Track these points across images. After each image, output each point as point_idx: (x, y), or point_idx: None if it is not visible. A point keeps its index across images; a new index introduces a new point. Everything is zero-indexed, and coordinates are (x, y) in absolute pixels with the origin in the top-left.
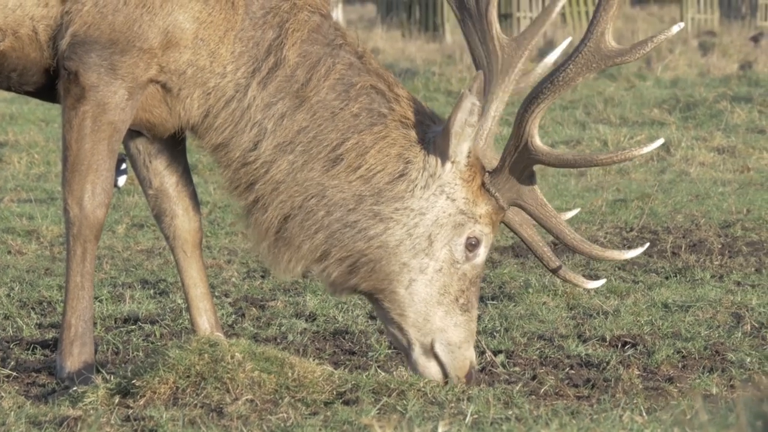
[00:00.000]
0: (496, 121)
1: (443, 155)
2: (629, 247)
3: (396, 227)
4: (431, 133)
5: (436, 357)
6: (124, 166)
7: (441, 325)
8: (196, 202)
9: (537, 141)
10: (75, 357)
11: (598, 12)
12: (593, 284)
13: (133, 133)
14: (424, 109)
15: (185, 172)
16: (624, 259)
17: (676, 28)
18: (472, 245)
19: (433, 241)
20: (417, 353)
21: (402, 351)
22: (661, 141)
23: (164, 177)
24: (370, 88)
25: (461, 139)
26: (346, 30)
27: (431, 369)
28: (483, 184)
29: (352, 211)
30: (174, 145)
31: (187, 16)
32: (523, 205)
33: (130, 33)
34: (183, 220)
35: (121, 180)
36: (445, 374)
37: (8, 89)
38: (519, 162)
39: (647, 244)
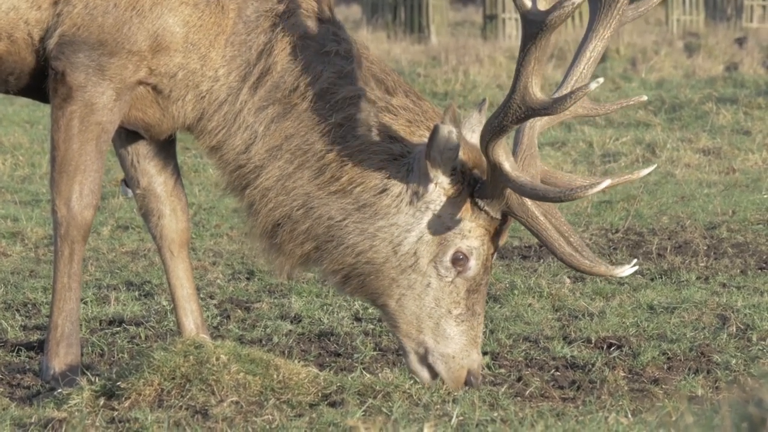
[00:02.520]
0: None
1: (425, 176)
2: (615, 249)
3: (381, 244)
4: (420, 147)
5: (430, 367)
6: None
7: (433, 336)
8: (183, 202)
9: (506, 167)
10: (61, 357)
11: (519, 67)
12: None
13: (122, 132)
14: (425, 118)
15: (174, 173)
16: (612, 275)
17: (593, 85)
18: (459, 260)
19: (419, 258)
20: (412, 360)
21: (402, 353)
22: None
23: (152, 177)
24: (359, 98)
25: (440, 164)
26: (346, 35)
27: (424, 376)
28: (471, 198)
29: (338, 225)
30: (163, 146)
31: (176, 19)
32: (514, 217)
33: (119, 35)
34: (170, 219)
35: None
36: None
37: (6, 92)
38: (496, 182)
39: (634, 261)
